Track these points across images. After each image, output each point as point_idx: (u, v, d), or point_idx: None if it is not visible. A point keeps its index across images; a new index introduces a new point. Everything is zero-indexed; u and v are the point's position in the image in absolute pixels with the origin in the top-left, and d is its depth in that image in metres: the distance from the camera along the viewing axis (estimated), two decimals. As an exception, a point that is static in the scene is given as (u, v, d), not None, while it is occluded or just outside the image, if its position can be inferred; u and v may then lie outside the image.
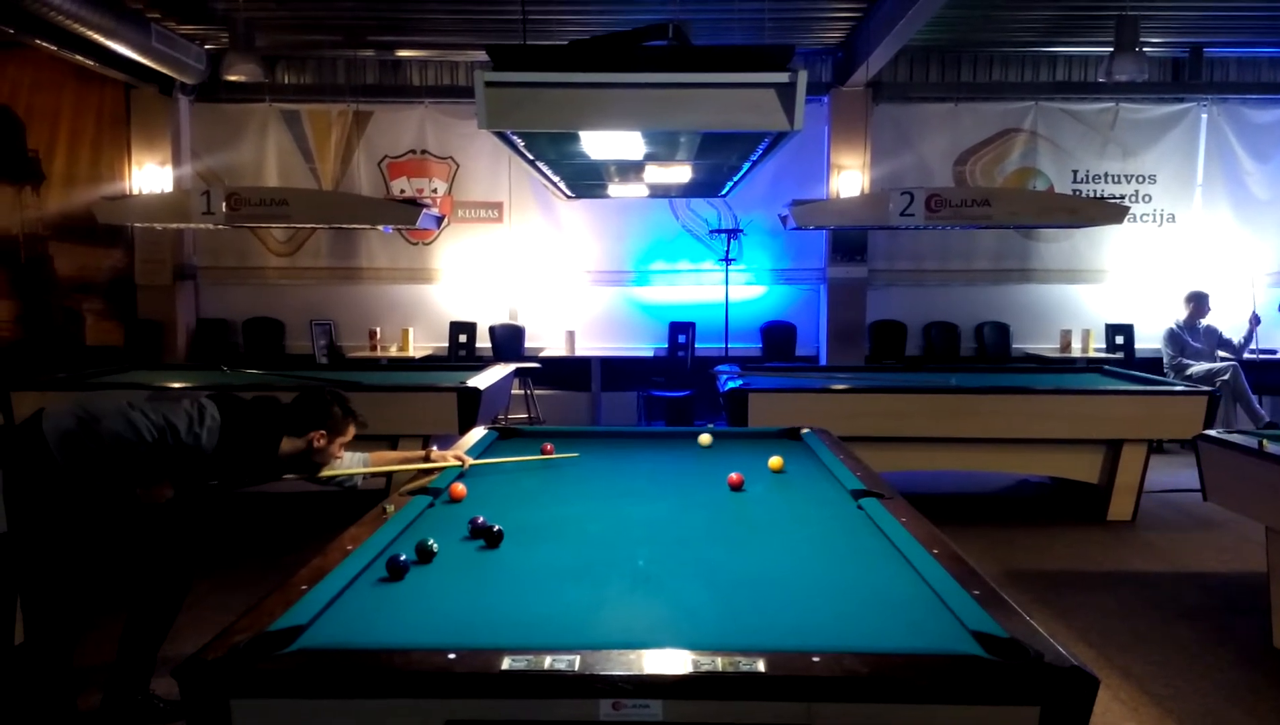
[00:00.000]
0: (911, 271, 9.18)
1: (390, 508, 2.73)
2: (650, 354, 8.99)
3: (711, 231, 8.97)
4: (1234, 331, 8.05)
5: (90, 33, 6.75)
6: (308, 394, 3.19)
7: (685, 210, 9.06)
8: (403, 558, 2.24)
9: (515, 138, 3.30)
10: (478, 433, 4.09)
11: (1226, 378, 7.59)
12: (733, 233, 8.75)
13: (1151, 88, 8.83)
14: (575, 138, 3.35)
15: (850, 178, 8.76)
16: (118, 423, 2.86)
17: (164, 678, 3.15)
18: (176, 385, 5.93)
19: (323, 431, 3.09)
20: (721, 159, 4.01)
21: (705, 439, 4.03)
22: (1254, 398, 7.75)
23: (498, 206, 9.13)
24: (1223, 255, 9.02)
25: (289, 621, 1.83)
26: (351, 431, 3.19)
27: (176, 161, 8.83)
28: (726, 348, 8.58)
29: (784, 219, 7.48)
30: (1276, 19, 7.80)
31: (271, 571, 4.66)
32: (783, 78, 2.80)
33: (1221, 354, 8.01)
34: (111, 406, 2.92)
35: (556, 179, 4.67)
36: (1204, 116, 9.00)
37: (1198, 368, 7.76)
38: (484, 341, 9.04)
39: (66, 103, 8.80)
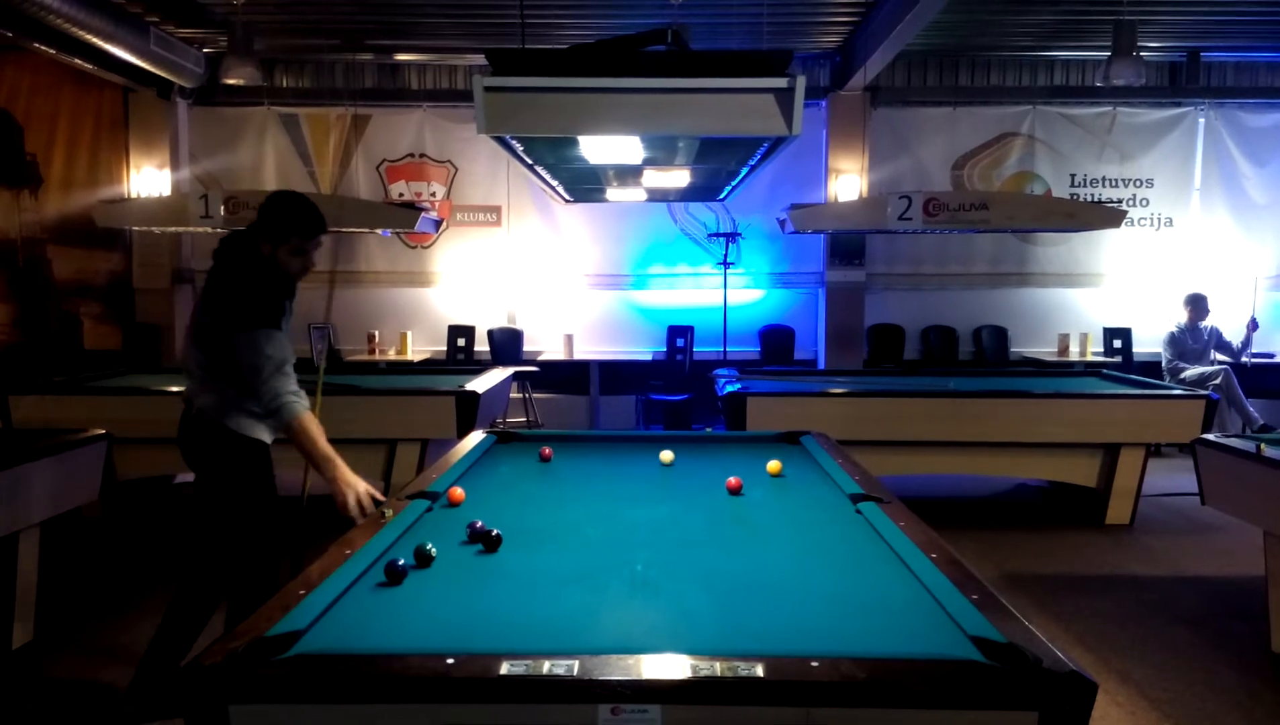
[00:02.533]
0: (909, 275, 9.20)
1: (389, 512, 2.73)
2: (649, 357, 8.99)
3: (710, 235, 8.97)
4: (1233, 335, 8.08)
5: (89, 36, 6.75)
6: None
7: (684, 214, 9.07)
8: (401, 562, 2.24)
9: (514, 142, 3.30)
10: (476, 437, 4.08)
11: (1218, 381, 7.60)
12: (731, 236, 8.76)
13: (1149, 92, 8.86)
14: (574, 142, 3.35)
15: (848, 182, 8.78)
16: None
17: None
18: (175, 389, 5.92)
19: (266, 241, 3.15)
20: (720, 163, 4.01)
21: (667, 456, 3.72)
22: (1246, 400, 7.77)
23: (496, 210, 9.14)
24: (1220, 259, 9.04)
25: (287, 627, 1.82)
26: (309, 233, 3.16)
27: (175, 165, 8.83)
28: (725, 351, 8.59)
29: (782, 223, 7.49)
30: (1273, 24, 7.82)
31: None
32: (781, 83, 2.80)
33: (1220, 357, 8.03)
34: None
35: (555, 183, 4.67)
36: (1201, 121, 9.02)
37: (1192, 371, 7.79)
38: (482, 345, 9.05)
39: (65, 106, 8.80)
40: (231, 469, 3.15)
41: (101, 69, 7.87)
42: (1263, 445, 3.92)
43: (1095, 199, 9.00)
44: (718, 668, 1.63)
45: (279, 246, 3.14)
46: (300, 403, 3.00)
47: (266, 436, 3.20)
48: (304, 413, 2.99)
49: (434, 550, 2.35)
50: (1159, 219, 9.14)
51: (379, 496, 2.95)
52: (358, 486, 2.94)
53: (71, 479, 3.89)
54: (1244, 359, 8.08)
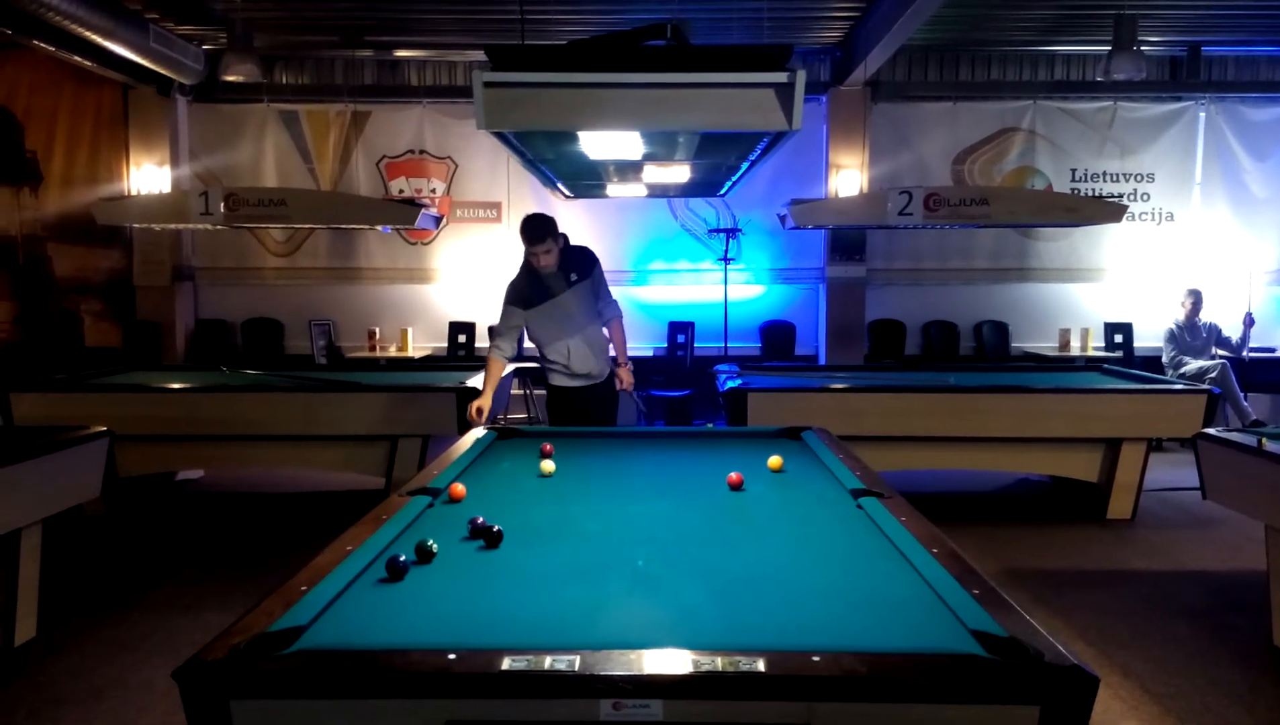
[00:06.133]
0: (910, 271, 9.19)
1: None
2: (649, 353, 8.98)
3: (710, 231, 8.97)
4: (1233, 330, 8.08)
5: (88, 33, 6.74)
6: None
7: (684, 210, 9.06)
8: (402, 558, 2.24)
9: (513, 138, 3.29)
10: (477, 433, 4.09)
11: (1214, 375, 7.61)
12: (731, 232, 8.76)
13: (1149, 86, 8.84)
14: (574, 138, 3.35)
15: (849, 177, 8.77)
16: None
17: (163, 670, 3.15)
18: (175, 386, 5.93)
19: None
20: (720, 159, 4.01)
21: (548, 466, 3.42)
22: (1241, 395, 7.78)
23: (496, 206, 9.13)
24: (1221, 253, 9.03)
25: (289, 622, 1.83)
26: (526, 240, 4.66)
27: (175, 162, 8.83)
28: (725, 347, 8.59)
29: (783, 218, 7.48)
30: (1274, 18, 7.81)
31: (271, 572, 4.66)
32: (781, 77, 2.79)
33: (1220, 352, 8.03)
34: None
35: (555, 179, 4.67)
36: (1202, 115, 9.00)
37: (1191, 366, 7.80)
38: (483, 341, 9.03)
39: (65, 103, 8.79)
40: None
41: (101, 66, 7.86)
42: (1264, 439, 3.92)
43: (1096, 194, 8.99)
44: (719, 663, 1.63)
45: (527, 252, 4.70)
46: (495, 352, 4.83)
47: (557, 381, 5.06)
48: (493, 357, 4.84)
49: (435, 546, 2.36)
50: (1160, 213, 9.13)
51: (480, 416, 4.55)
52: (482, 404, 4.64)
53: (73, 476, 3.89)
54: (1244, 354, 8.08)
